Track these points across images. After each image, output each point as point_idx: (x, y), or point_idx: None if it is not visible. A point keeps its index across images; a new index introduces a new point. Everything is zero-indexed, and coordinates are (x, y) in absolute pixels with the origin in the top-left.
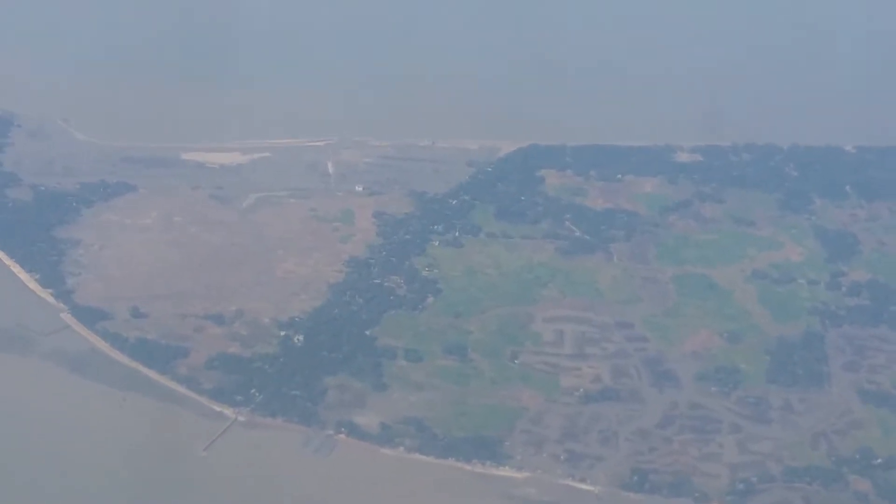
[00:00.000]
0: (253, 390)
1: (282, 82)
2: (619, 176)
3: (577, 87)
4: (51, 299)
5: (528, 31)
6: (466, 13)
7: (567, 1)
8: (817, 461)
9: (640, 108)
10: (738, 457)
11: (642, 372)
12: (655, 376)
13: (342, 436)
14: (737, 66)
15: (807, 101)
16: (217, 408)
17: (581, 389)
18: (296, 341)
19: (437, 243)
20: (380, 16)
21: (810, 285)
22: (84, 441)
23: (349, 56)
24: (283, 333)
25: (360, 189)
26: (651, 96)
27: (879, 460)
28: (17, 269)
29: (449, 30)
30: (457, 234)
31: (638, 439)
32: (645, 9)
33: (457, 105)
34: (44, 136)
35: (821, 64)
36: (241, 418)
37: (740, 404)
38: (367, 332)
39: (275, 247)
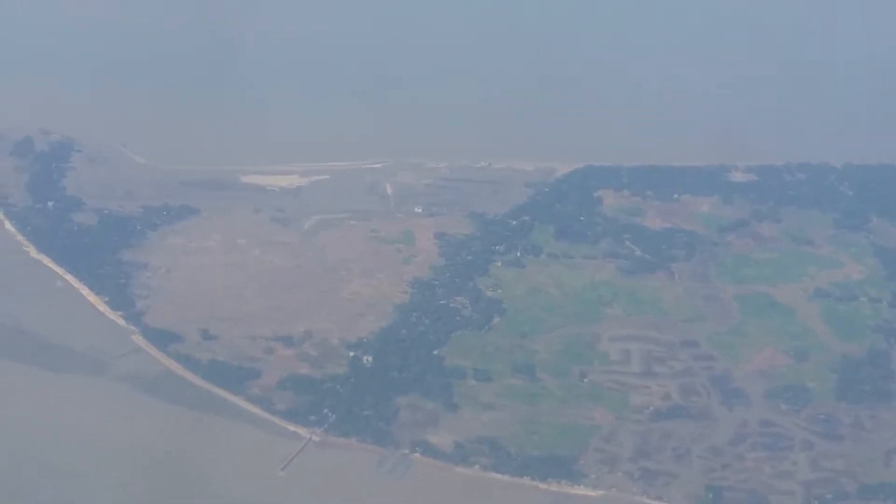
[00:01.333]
0: (326, 410)
1: (337, 105)
2: (676, 196)
3: (629, 107)
4: (121, 322)
5: (575, 53)
6: (516, 36)
7: (612, 25)
8: (891, 478)
9: (692, 128)
10: (811, 474)
11: (711, 390)
12: (724, 394)
13: (417, 455)
14: (780, 84)
15: (856, 118)
16: (291, 428)
17: (651, 407)
18: (365, 362)
19: (499, 264)
20: (432, 40)
21: (872, 303)
22: (162, 462)
23: (403, 79)
24: (352, 354)
25: (420, 210)
26: (702, 116)
27: None
28: (86, 291)
29: (500, 53)
30: (518, 254)
31: (711, 457)
32: (687, 31)
33: (511, 126)
34: (104, 161)
35: (867, 80)
36: (315, 438)
37: (810, 421)
38: (435, 353)
39: (338, 268)
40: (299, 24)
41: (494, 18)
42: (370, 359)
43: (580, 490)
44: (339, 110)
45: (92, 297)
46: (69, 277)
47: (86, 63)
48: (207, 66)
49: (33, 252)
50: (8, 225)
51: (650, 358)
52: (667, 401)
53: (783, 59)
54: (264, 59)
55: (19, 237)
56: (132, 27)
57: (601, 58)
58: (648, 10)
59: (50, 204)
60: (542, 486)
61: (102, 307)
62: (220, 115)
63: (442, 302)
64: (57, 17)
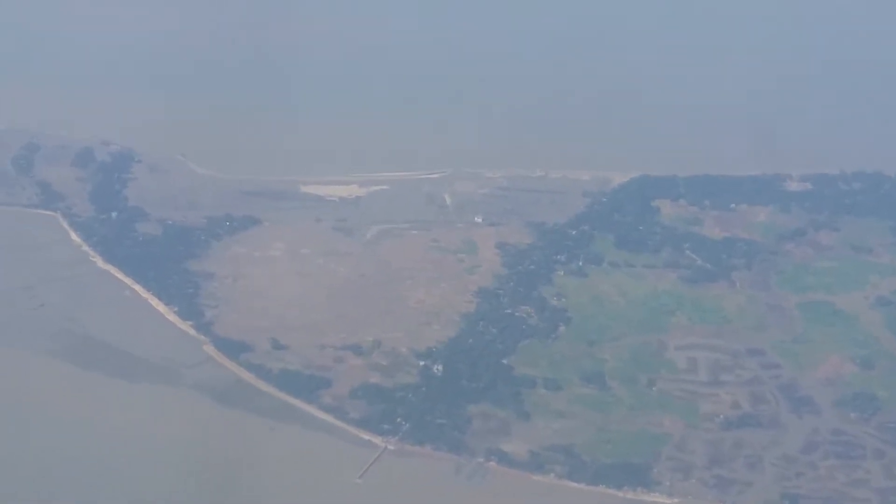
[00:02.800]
0: (399, 419)
1: (394, 115)
2: (732, 205)
3: (681, 116)
4: (192, 331)
5: (626, 62)
6: (570, 46)
7: (662, 33)
8: None
9: (745, 137)
10: (885, 482)
11: (779, 398)
12: (793, 402)
13: (492, 463)
14: (832, 90)
15: None
16: (365, 436)
17: (721, 416)
18: (435, 371)
19: (561, 273)
20: (485, 49)
21: None
22: (240, 471)
23: (458, 89)
24: (422, 363)
25: (480, 220)
26: (754, 124)
27: None
28: (155, 301)
29: (554, 62)
30: (580, 263)
31: (784, 465)
32: (738, 38)
33: (566, 136)
34: (164, 171)
35: None
36: (390, 447)
37: (881, 430)
38: (504, 361)
39: (402, 277)
40: (357, 34)
41: (547, 28)
42: (440, 368)
43: (656, 497)
44: (395, 121)
45: (161, 307)
46: (137, 287)
47: (144, 74)
48: (263, 76)
49: (100, 262)
50: (73, 235)
51: (717, 366)
52: (736, 409)
53: (833, 65)
54: (320, 69)
55: (85, 247)
56: (189, 38)
57: (652, 66)
58: (699, 18)
59: (114, 214)
60: (619, 493)
61: (172, 317)
62: (278, 125)
63: (507, 311)
64: (113, 30)
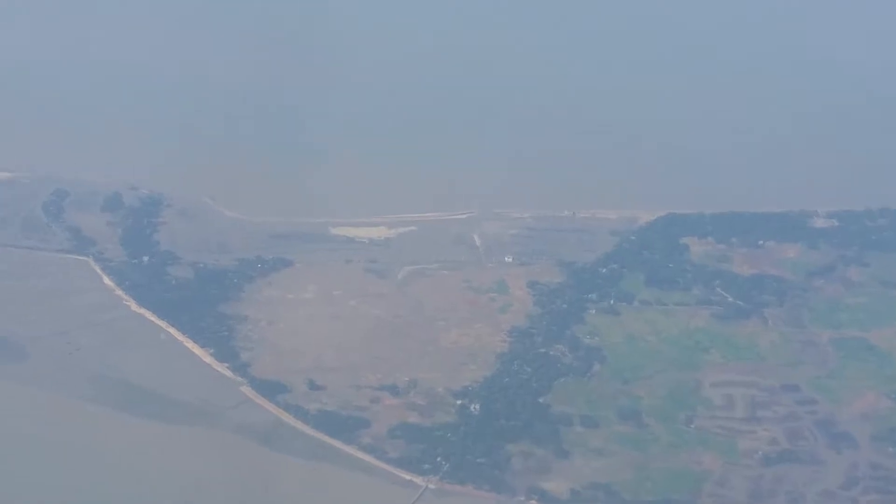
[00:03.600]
0: (438, 458)
1: (419, 156)
2: (760, 242)
3: (705, 154)
4: (228, 373)
5: (649, 102)
6: (589, 87)
7: (688, 75)
8: None
9: (771, 175)
10: None
11: (817, 434)
12: (831, 438)
13: (534, 502)
14: (852, 128)
15: None
16: (406, 476)
17: (760, 452)
18: (473, 410)
19: (593, 311)
20: (508, 91)
21: None
22: None
23: (483, 130)
24: (459, 402)
25: (510, 260)
26: (781, 162)
27: None
28: (190, 344)
29: (577, 102)
30: (612, 302)
31: (825, 500)
32: (758, 80)
33: (591, 175)
34: (193, 215)
35: None
36: (431, 486)
37: None
38: (541, 400)
39: (435, 318)
40: (383, 77)
41: (571, 70)
42: (477, 407)
43: None
44: (422, 162)
45: (197, 350)
46: (172, 330)
47: (170, 119)
48: (290, 119)
49: (134, 306)
50: (106, 280)
51: (753, 403)
52: (774, 445)
53: (852, 103)
54: (346, 110)
55: (118, 291)
56: (213, 82)
57: (674, 105)
58: (723, 57)
59: (145, 258)
60: None
61: (208, 359)
62: (305, 168)
63: (542, 350)
64: (138, 76)
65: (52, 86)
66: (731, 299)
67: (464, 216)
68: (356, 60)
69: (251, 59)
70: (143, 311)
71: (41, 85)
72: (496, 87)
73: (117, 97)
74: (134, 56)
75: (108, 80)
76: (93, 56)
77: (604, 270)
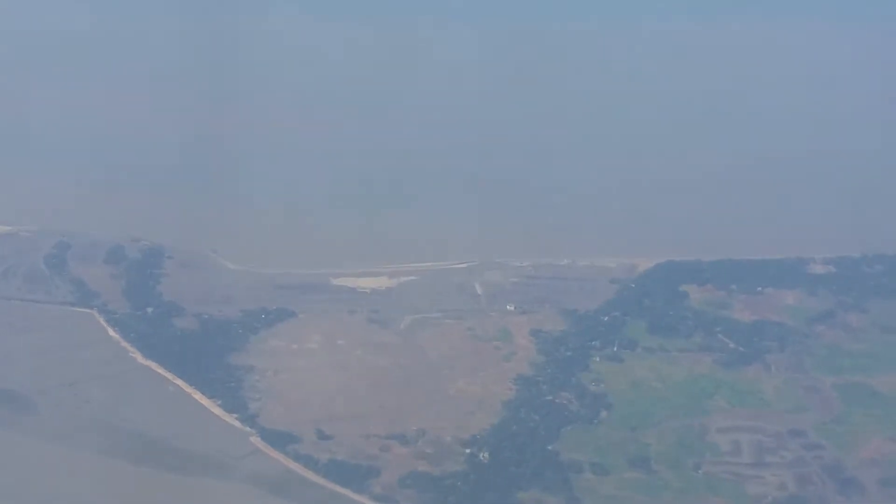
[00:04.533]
0: None
1: (417, 208)
2: (759, 289)
3: (703, 202)
4: (237, 424)
5: (644, 152)
6: (586, 138)
7: (675, 124)
8: None
9: (766, 222)
10: None
11: (825, 479)
12: (839, 483)
13: None
14: (845, 174)
15: None
16: None
17: (769, 497)
18: (482, 458)
19: (598, 359)
20: (502, 141)
21: None
22: None
23: (480, 180)
24: (468, 451)
25: (512, 308)
26: (778, 209)
27: None
28: (198, 395)
29: (573, 153)
30: (615, 349)
31: None
32: (748, 126)
33: (588, 224)
34: (195, 267)
35: None
36: None
37: None
38: (550, 448)
39: (440, 366)
40: (378, 131)
41: (566, 121)
42: (486, 455)
43: None
44: (420, 213)
45: (205, 401)
46: (179, 382)
47: (168, 172)
48: (288, 172)
49: (140, 358)
50: (111, 332)
51: (760, 448)
52: (783, 490)
53: (845, 150)
54: (344, 163)
55: (124, 343)
56: (209, 137)
57: (667, 155)
58: (717, 108)
59: (150, 310)
60: None
61: (217, 410)
62: (305, 220)
63: (548, 398)
64: (133, 129)
65: (51, 140)
66: (732, 345)
67: (464, 265)
68: (354, 114)
69: (247, 116)
70: (149, 362)
71: (40, 139)
72: (490, 139)
73: (115, 152)
74: (131, 113)
75: (106, 135)
76: (91, 112)
77: (606, 318)
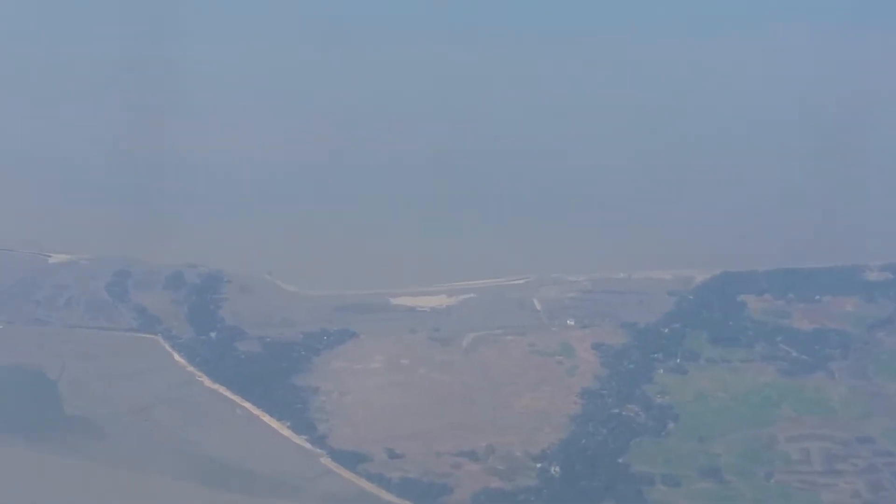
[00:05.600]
0: None
1: (473, 225)
2: (817, 297)
3: (757, 213)
4: (307, 445)
5: (697, 163)
6: (636, 151)
7: (734, 132)
8: None
9: (820, 230)
10: None
11: None
12: None
13: None
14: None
15: None
16: None
17: None
18: (553, 472)
19: (661, 371)
20: (559, 157)
21: None
22: None
23: (537, 196)
24: (538, 465)
25: (572, 323)
26: (830, 218)
27: None
28: (266, 417)
29: (623, 168)
30: (678, 361)
31: None
32: (798, 136)
33: (643, 237)
34: (253, 291)
35: None
36: None
37: None
38: (620, 460)
39: (504, 383)
40: (431, 148)
41: (618, 131)
42: (558, 469)
43: None
44: (476, 230)
45: (274, 423)
46: (247, 405)
47: (221, 198)
48: (341, 193)
49: (207, 382)
50: (177, 357)
51: (830, 456)
52: (857, 498)
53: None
54: (395, 183)
55: (190, 368)
56: (261, 160)
57: (720, 168)
58: (769, 113)
59: (213, 334)
60: None
61: (286, 432)
62: (360, 240)
63: (615, 411)
64: (179, 155)
65: (106, 170)
66: (795, 354)
67: (521, 281)
68: (409, 130)
69: (295, 137)
70: (216, 386)
71: (95, 169)
72: (542, 154)
73: (164, 179)
74: (176, 139)
75: (152, 162)
76: (145, 140)
77: (666, 330)
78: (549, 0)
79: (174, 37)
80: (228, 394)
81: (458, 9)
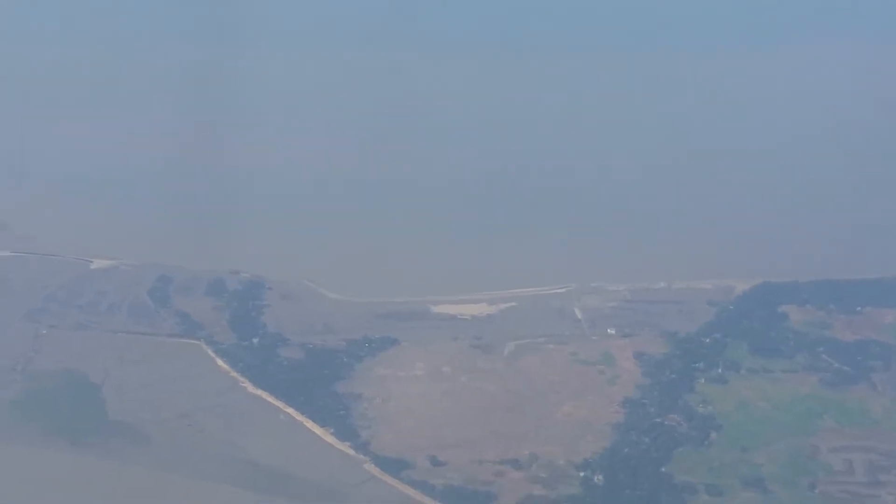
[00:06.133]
0: None
1: (513, 233)
2: (859, 308)
3: (797, 223)
4: (350, 451)
5: (735, 173)
6: (673, 161)
7: (772, 142)
8: None
9: (864, 240)
10: None
11: None
12: None
13: None
14: None
15: None
16: None
17: None
18: (596, 481)
19: (702, 381)
20: (597, 166)
21: None
22: None
23: (575, 205)
24: (581, 474)
25: (613, 332)
26: (870, 228)
27: None
28: (310, 423)
29: (660, 178)
30: (720, 370)
31: None
32: (833, 147)
33: (682, 247)
34: (295, 298)
35: None
36: None
37: None
38: (663, 470)
39: (547, 391)
40: (470, 156)
41: (656, 143)
42: (601, 478)
43: None
44: (514, 239)
45: (317, 429)
46: (290, 410)
47: (260, 204)
48: (380, 201)
49: (250, 387)
50: (220, 362)
51: (874, 467)
52: None
53: None
54: (433, 191)
55: (233, 374)
56: (302, 164)
57: (760, 177)
58: (811, 123)
59: (255, 340)
60: None
61: (329, 438)
62: (400, 248)
63: (657, 420)
64: (215, 162)
65: (147, 176)
66: (836, 365)
67: (562, 290)
68: (453, 138)
69: (344, 144)
70: (259, 392)
71: (136, 175)
72: (580, 164)
73: (202, 185)
74: (224, 146)
75: (189, 168)
76: (187, 147)
77: (707, 340)
78: (596, 14)
79: (221, 45)
80: (271, 399)
81: (510, 21)
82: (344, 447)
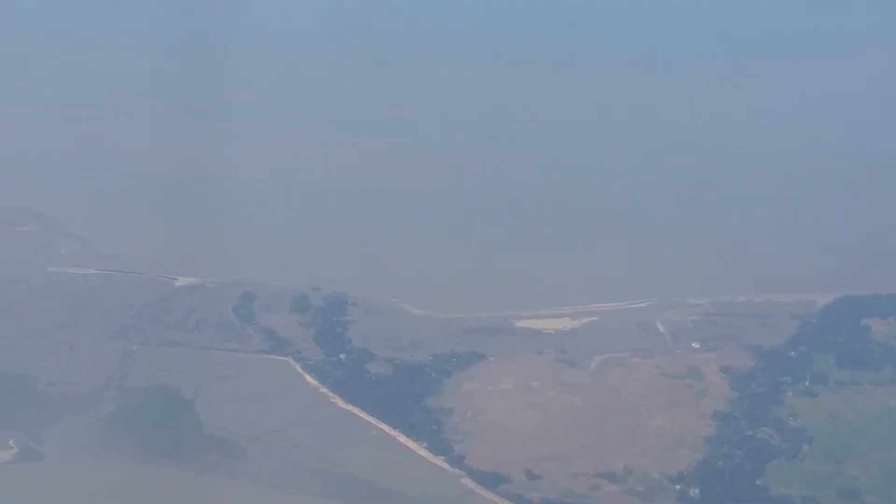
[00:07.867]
0: None
1: (594, 248)
2: None
3: (879, 236)
4: (446, 466)
5: (814, 187)
6: (750, 173)
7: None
8: None
9: None
10: None
11: None
12: None
13: None
14: None
15: None
16: None
17: None
18: (692, 494)
19: (791, 394)
20: (675, 181)
21: None
22: None
23: (655, 221)
24: (677, 487)
25: (697, 346)
26: None
27: None
28: (403, 438)
29: (741, 191)
30: (807, 384)
31: None
32: None
33: (763, 260)
34: (380, 314)
35: None
36: None
37: None
38: (758, 482)
39: (636, 405)
40: (551, 171)
41: (734, 156)
42: (697, 491)
43: None
44: (594, 253)
45: (411, 444)
46: (383, 426)
47: (342, 220)
48: (461, 215)
49: (341, 403)
50: (309, 378)
51: None
52: None
53: None
54: (518, 205)
55: (323, 389)
56: (376, 179)
57: (841, 188)
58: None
59: (342, 356)
60: None
61: (423, 453)
62: (484, 263)
63: (748, 433)
64: (297, 178)
65: (229, 193)
66: None
67: (643, 304)
68: (537, 153)
69: (426, 160)
70: (350, 407)
71: (217, 192)
72: (659, 179)
73: (285, 201)
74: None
75: (273, 185)
76: (268, 164)
77: (792, 353)
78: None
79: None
80: (363, 415)
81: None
82: (439, 461)
